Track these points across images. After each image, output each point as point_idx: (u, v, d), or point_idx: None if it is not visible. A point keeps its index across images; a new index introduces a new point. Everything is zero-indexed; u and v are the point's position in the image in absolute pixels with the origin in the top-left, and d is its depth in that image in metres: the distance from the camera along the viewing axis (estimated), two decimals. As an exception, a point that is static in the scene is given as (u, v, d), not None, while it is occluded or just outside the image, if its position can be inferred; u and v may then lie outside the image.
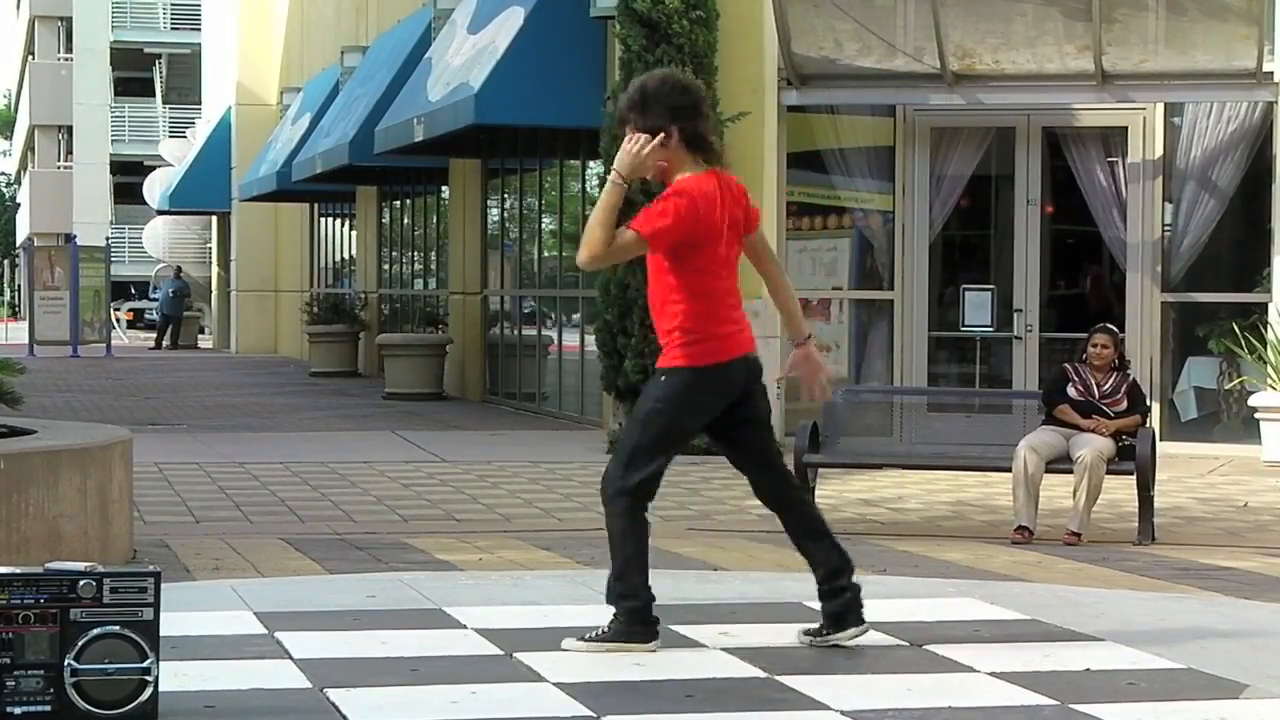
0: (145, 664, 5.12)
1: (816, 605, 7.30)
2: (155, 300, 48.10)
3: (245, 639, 6.46)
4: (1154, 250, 16.68)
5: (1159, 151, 16.71)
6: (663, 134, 6.00)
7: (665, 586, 6.92)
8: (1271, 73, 15.92)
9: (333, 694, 5.58)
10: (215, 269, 44.51)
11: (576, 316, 20.10)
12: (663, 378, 6.11)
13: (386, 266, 30.44)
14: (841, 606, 6.30)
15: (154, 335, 44.12)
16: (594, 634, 6.17)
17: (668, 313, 6.08)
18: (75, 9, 64.27)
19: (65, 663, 5.07)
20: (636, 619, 6.13)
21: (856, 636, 6.29)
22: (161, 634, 5.20)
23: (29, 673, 5.06)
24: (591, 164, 19.38)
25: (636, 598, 6.14)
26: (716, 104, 16.29)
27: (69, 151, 68.87)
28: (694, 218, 5.97)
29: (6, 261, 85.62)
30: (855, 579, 6.34)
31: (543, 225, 22.30)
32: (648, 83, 6.11)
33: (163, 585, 5.23)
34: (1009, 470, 10.77)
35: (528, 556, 9.79)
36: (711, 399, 6.13)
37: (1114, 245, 16.99)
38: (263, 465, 14.58)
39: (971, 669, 6.08)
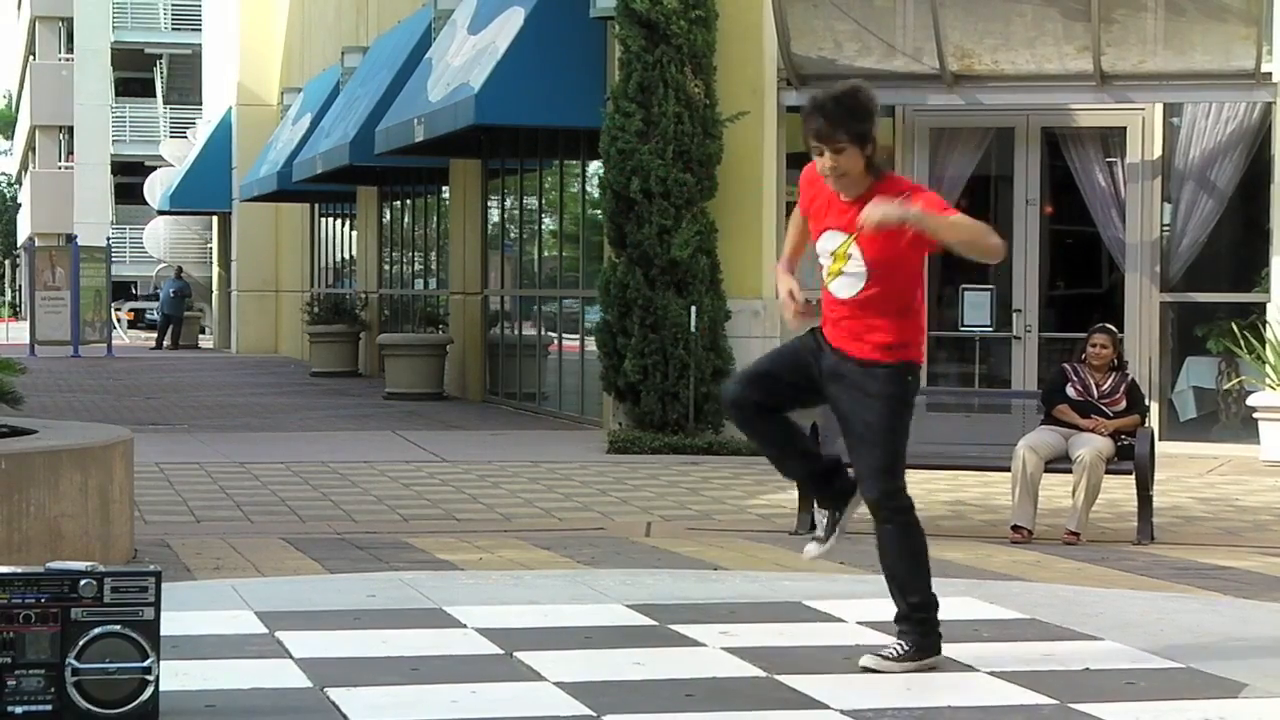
0: (146, 663, 5.13)
1: (817, 605, 7.32)
2: (156, 300, 48.11)
3: (246, 638, 6.46)
4: (1153, 250, 16.69)
5: (1158, 152, 16.72)
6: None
7: (665, 586, 6.94)
8: (1270, 73, 15.93)
9: (333, 693, 5.59)
10: (216, 269, 44.53)
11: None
12: (910, 377, 6.10)
13: (387, 266, 30.45)
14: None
15: (155, 335, 44.13)
16: (894, 652, 5.98)
17: (914, 309, 6.16)
18: (76, 9, 64.27)
19: (66, 662, 5.08)
20: (936, 628, 6.05)
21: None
22: (162, 633, 5.21)
23: (30, 672, 5.07)
24: (591, 164, 19.38)
25: (935, 606, 6.08)
26: (716, 104, 16.33)
27: (70, 152, 68.87)
28: None
29: (7, 261, 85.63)
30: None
31: (543, 225, 22.31)
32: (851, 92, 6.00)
33: (163, 585, 5.24)
34: (1008, 470, 10.77)
35: (528, 556, 9.79)
36: None
37: (1113, 245, 17.00)
38: (263, 465, 14.59)
39: (971, 668, 6.09)
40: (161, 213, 45.44)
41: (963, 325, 16.77)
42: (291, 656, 6.15)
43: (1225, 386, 16.58)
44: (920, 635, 5.98)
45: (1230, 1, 15.94)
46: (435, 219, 27.09)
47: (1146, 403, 11.76)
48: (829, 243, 6.08)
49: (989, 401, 13.33)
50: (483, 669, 6.00)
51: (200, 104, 50.29)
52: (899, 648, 5.96)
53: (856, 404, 5.99)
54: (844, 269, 6.03)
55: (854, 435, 6.04)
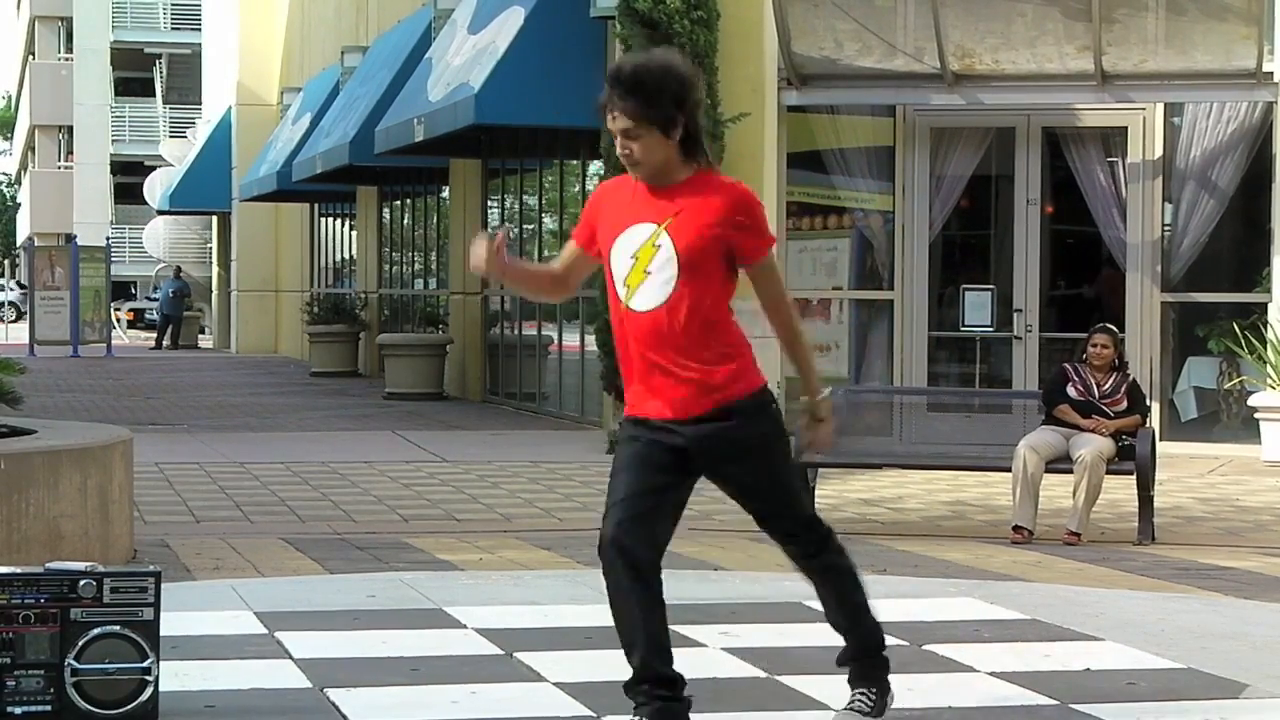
0: (145, 664, 5.12)
1: (817, 605, 7.31)
2: (156, 300, 48.11)
3: (245, 639, 6.46)
4: (1154, 250, 16.68)
5: (1159, 151, 16.72)
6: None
7: (665, 586, 6.92)
8: (1271, 73, 15.92)
9: (333, 693, 5.58)
10: (215, 269, 44.53)
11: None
12: (773, 403, 5.36)
13: (387, 266, 30.44)
14: None
15: (154, 335, 44.12)
16: (865, 702, 5.33)
17: (727, 323, 5.16)
18: (75, 9, 64.24)
19: (66, 662, 5.07)
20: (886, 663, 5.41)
21: None
22: (162, 634, 5.20)
23: (29, 672, 5.06)
24: (592, 164, 19.38)
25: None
26: (717, 104, 16.32)
27: (69, 151, 68.84)
28: None
29: (7, 261, 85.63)
30: None
31: (543, 225, 22.30)
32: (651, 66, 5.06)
33: (163, 585, 5.24)
34: (1009, 470, 10.77)
35: (528, 556, 9.79)
36: None
37: (1114, 245, 16.99)
38: (263, 465, 14.58)
39: (971, 669, 6.09)
40: (161, 212, 45.44)
41: (963, 325, 16.76)
42: (291, 656, 6.15)
43: (1226, 386, 16.57)
44: (880, 672, 5.39)
45: (1231, 1, 15.93)
46: (435, 219, 27.08)
47: (1147, 403, 11.76)
48: (630, 241, 5.08)
49: (989, 401, 13.31)
50: (483, 669, 6.00)
51: (200, 104, 50.28)
52: (867, 695, 5.33)
53: (744, 469, 5.28)
54: (649, 267, 5.03)
55: (760, 499, 5.33)
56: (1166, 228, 16.80)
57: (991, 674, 5.99)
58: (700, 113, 5.06)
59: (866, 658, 5.35)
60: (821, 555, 5.34)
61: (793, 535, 5.34)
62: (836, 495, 12.66)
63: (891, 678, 5.36)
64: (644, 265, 5.06)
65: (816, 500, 11.29)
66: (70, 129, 67.19)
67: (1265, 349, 15.67)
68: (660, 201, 5.04)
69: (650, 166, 5.01)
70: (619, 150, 5.06)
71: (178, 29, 63.63)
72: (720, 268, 5.05)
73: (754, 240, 5.07)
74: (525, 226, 22.91)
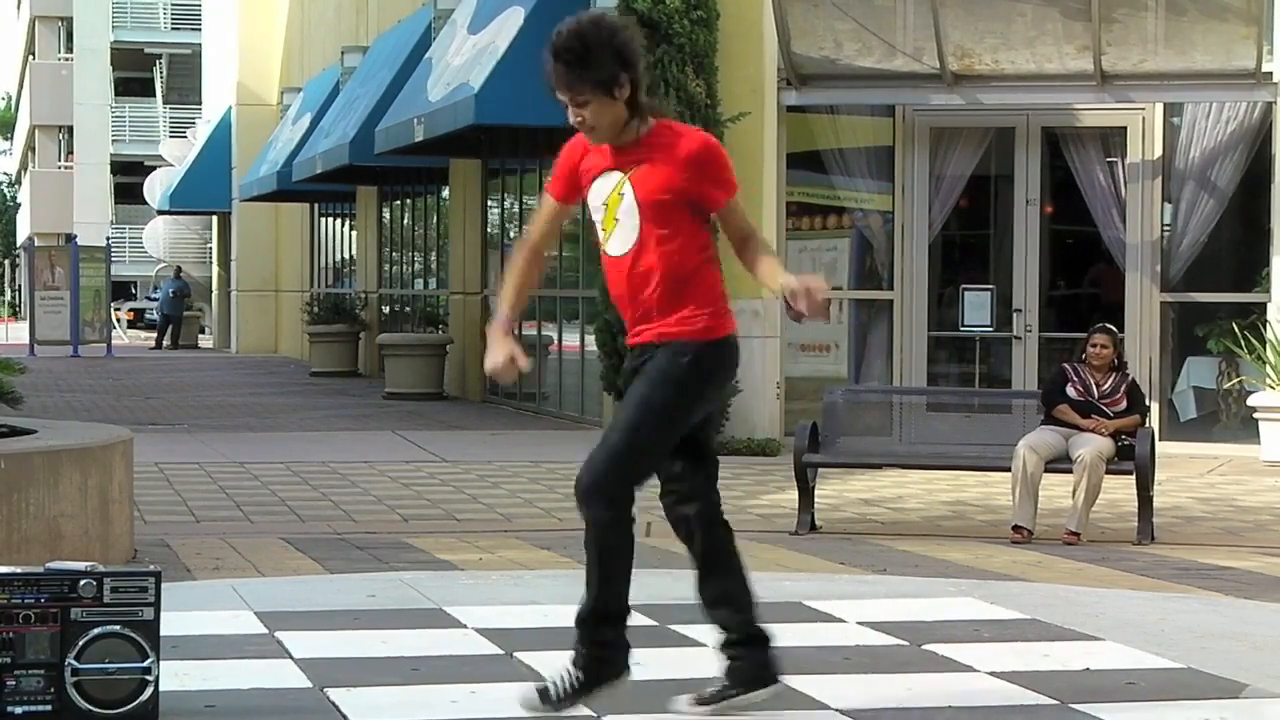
0: (146, 663, 5.12)
1: (817, 605, 7.31)
2: (156, 300, 48.13)
3: (245, 638, 6.46)
4: (1153, 250, 16.69)
5: (1158, 152, 16.72)
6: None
7: (665, 586, 6.93)
8: (1271, 73, 15.92)
9: (333, 693, 5.58)
10: (215, 269, 44.53)
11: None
12: (688, 356, 5.25)
13: (387, 266, 30.44)
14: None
15: (154, 335, 44.13)
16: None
17: (699, 278, 5.28)
18: (75, 9, 64.26)
19: (66, 662, 5.07)
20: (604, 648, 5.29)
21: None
22: (162, 633, 5.20)
23: (29, 672, 5.06)
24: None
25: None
26: (717, 104, 16.32)
27: (69, 151, 68.86)
28: None
29: (7, 261, 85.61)
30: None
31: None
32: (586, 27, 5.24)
33: (163, 585, 5.24)
34: (1009, 470, 10.77)
35: (528, 556, 9.79)
36: None
37: (1113, 245, 16.99)
38: (263, 465, 14.59)
39: (971, 669, 6.08)
40: (161, 212, 45.44)
41: (963, 325, 16.77)
42: (291, 656, 6.15)
43: (1225, 386, 16.58)
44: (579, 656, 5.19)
45: (1231, 1, 15.94)
46: (435, 219, 27.08)
47: (1147, 403, 11.76)
48: (602, 188, 5.22)
49: (989, 401, 13.31)
50: (483, 669, 6.00)
51: (200, 104, 50.29)
52: (565, 673, 5.18)
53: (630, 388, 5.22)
54: (618, 214, 5.17)
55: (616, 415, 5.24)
56: (1166, 228, 16.81)
57: (991, 674, 5.99)
58: (640, 64, 5.15)
59: (580, 626, 5.22)
60: (582, 513, 5.21)
61: (598, 474, 5.19)
62: (836, 495, 12.66)
63: (891, 678, 5.35)
64: (613, 212, 5.21)
65: (817, 499, 11.30)
66: (70, 129, 67.21)
67: (1264, 349, 15.67)
68: (626, 151, 5.20)
69: (603, 130, 5.14)
70: (572, 119, 5.20)
71: (178, 29, 63.66)
72: (685, 215, 5.17)
73: (715, 189, 5.19)
74: (525, 227, 22.89)
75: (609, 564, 5.22)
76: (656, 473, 5.28)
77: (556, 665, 5.25)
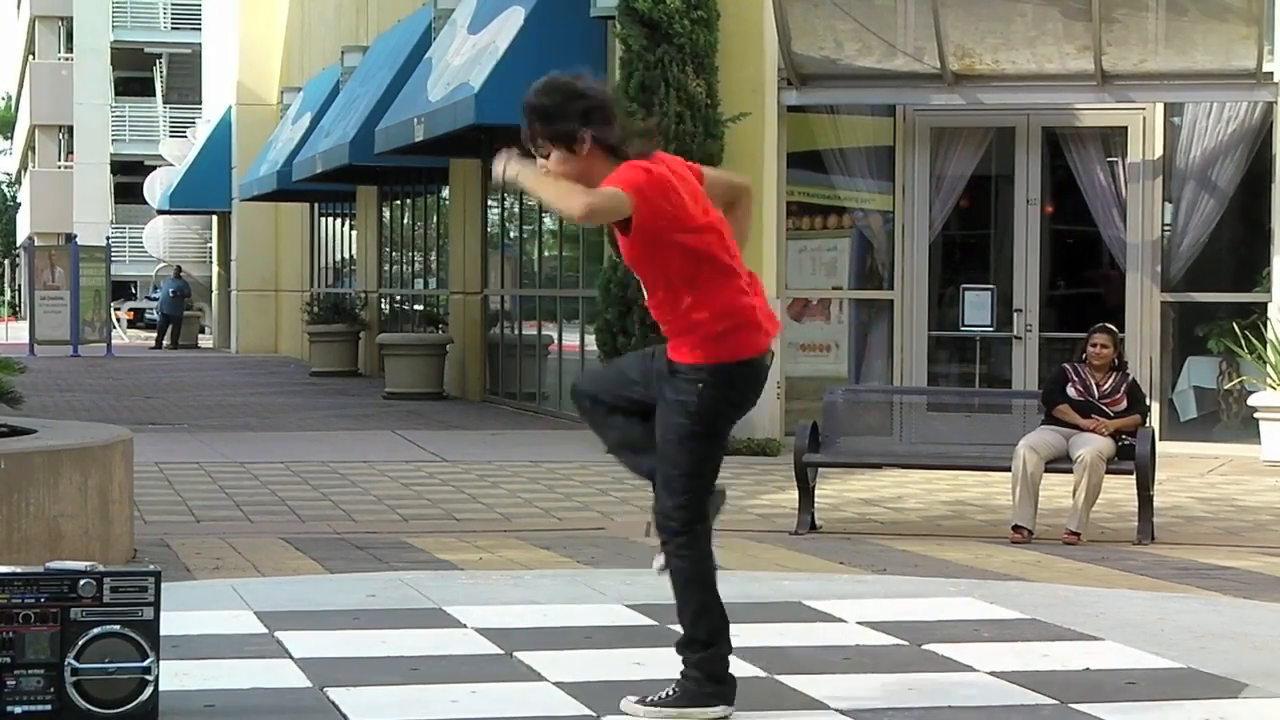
0: (145, 663, 5.12)
1: (817, 605, 7.31)
2: (156, 300, 48.14)
3: (245, 638, 6.46)
4: (1154, 250, 16.68)
5: (1159, 151, 16.72)
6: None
7: (665, 586, 6.92)
8: (1271, 73, 15.92)
9: (333, 693, 5.59)
10: (215, 269, 44.53)
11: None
12: (698, 383, 5.46)
13: (387, 266, 30.45)
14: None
15: (154, 335, 44.13)
16: (660, 695, 5.42)
17: (684, 308, 5.46)
18: (75, 9, 64.25)
19: (65, 662, 5.07)
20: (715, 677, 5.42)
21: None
22: (162, 633, 5.21)
23: (29, 672, 5.07)
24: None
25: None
26: (717, 104, 16.32)
27: (69, 151, 68.85)
28: None
29: (7, 261, 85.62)
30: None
31: (543, 225, 22.30)
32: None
33: (163, 585, 5.24)
34: (1009, 470, 10.77)
35: (528, 556, 9.79)
36: None
37: (1114, 245, 16.99)
38: (263, 465, 14.59)
39: (971, 669, 6.09)
40: (161, 212, 45.44)
41: (963, 325, 16.76)
42: (291, 656, 6.15)
43: (1226, 386, 16.57)
44: (694, 681, 5.37)
45: (1231, 1, 15.93)
46: (435, 219, 27.09)
47: (1147, 402, 11.76)
48: None
49: (989, 401, 13.31)
50: (483, 669, 6.00)
51: (200, 103, 50.29)
52: (668, 690, 5.39)
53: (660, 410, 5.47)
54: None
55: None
56: (1166, 228, 16.80)
57: (991, 674, 5.99)
58: (612, 117, 5.29)
59: (680, 653, 5.45)
60: (666, 546, 5.51)
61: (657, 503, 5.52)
62: (836, 495, 12.66)
63: (891, 677, 5.35)
64: None
65: (817, 499, 11.30)
66: (70, 129, 67.20)
67: (1265, 349, 15.67)
68: None
69: (567, 178, 5.27)
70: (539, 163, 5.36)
71: (178, 29, 63.65)
72: (653, 244, 5.28)
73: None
74: (525, 226, 22.91)
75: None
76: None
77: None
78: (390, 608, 7.21)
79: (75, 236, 49.59)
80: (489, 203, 23.96)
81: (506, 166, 5.28)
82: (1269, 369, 15.61)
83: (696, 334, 5.32)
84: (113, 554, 8.96)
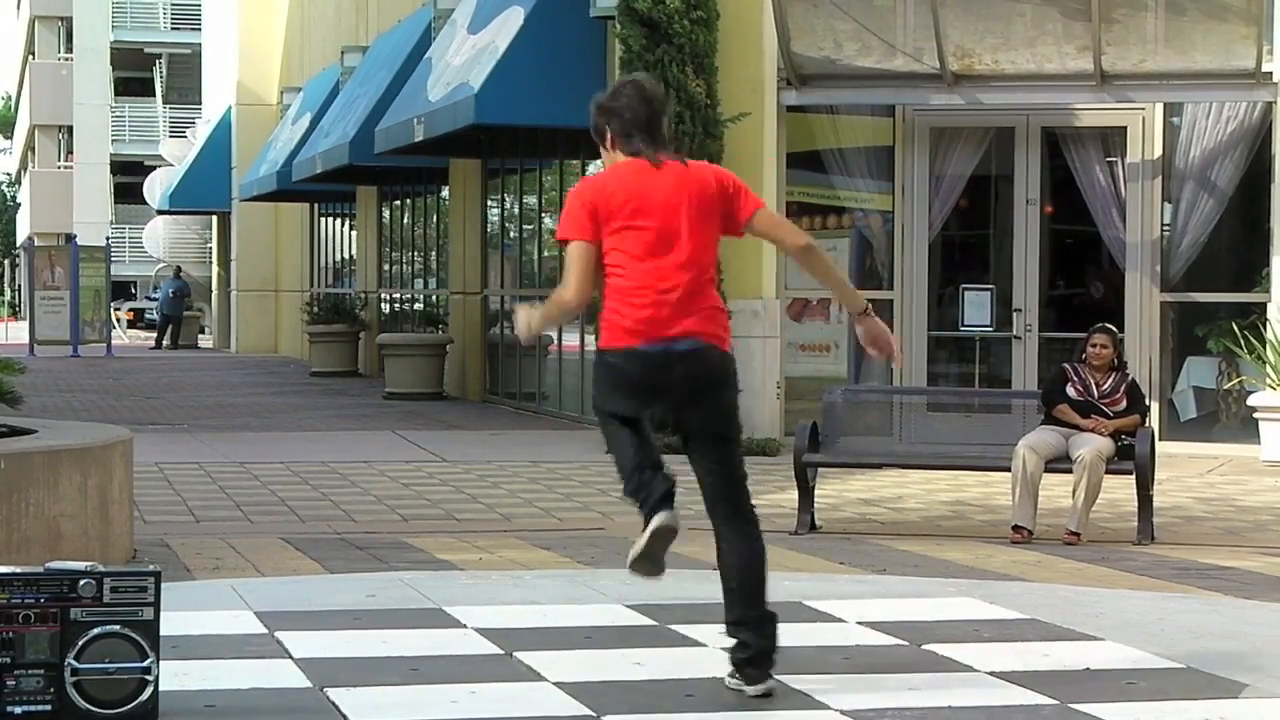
0: (145, 663, 5.12)
1: (817, 605, 7.31)
2: (156, 300, 48.14)
3: (245, 638, 6.46)
4: (1153, 250, 16.69)
5: (1158, 151, 16.72)
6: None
7: (665, 586, 6.93)
8: (1271, 73, 15.92)
9: (333, 693, 5.59)
10: (215, 269, 44.52)
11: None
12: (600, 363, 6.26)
13: (387, 266, 30.45)
14: (741, 655, 5.67)
15: (154, 335, 44.13)
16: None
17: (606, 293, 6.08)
18: (75, 9, 64.25)
19: (65, 662, 5.07)
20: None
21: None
22: (162, 633, 5.21)
23: (29, 672, 5.06)
24: (591, 164, 19.37)
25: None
26: (717, 104, 16.32)
27: (69, 151, 68.85)
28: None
29: (7, 261, 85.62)
30: (755, 638, 5.64)
31: (543, 225, 22.30)
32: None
33: (163, 585, 5.24)
34: (1009, 470, 10.77)
35: (528, 556, 9.79)
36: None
37: (1113, 245, 16.99)
38: (263, 465, 14.59)
39: (971, 669, 6.09)
40: (161, 212, 45.43)
41: (963, 325, 16.77)
42: (291, 656, 6.15)
43: (1225, 386, 16.58)
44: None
45: (1231, 1, 15.94)
46: (435, 219, 27.09)
47: (1147, 402, 11.76)
48: None
49: (989, 401, 13.31)
50: (483, 669, 6.00)
51: (200, 103, 50.29)
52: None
53: None
54: None
55: None
56: (1166, 228, 16.81)
57: (991, 674, 5.99)
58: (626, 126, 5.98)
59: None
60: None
61: None
62: (836, 495, 12.66)
63: (891, 677, 5.36)
64: None
65: (817, 499, 11.29)
66: (70, 129, 67.20)
67: (1264, 349, 15.67)
68: None
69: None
70: None
71: (178, 29, 63.64)
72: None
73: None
74: (525, 226, 22.91)
75: None
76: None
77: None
78: (390, 608, 7.21)
79: (75, 237, 49.58)
80: (489, 203, 23.96)
81: (529, 323, 5.98)
82: (1268, 369, 15.62)
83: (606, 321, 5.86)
84: (113, 554, 8.96)
